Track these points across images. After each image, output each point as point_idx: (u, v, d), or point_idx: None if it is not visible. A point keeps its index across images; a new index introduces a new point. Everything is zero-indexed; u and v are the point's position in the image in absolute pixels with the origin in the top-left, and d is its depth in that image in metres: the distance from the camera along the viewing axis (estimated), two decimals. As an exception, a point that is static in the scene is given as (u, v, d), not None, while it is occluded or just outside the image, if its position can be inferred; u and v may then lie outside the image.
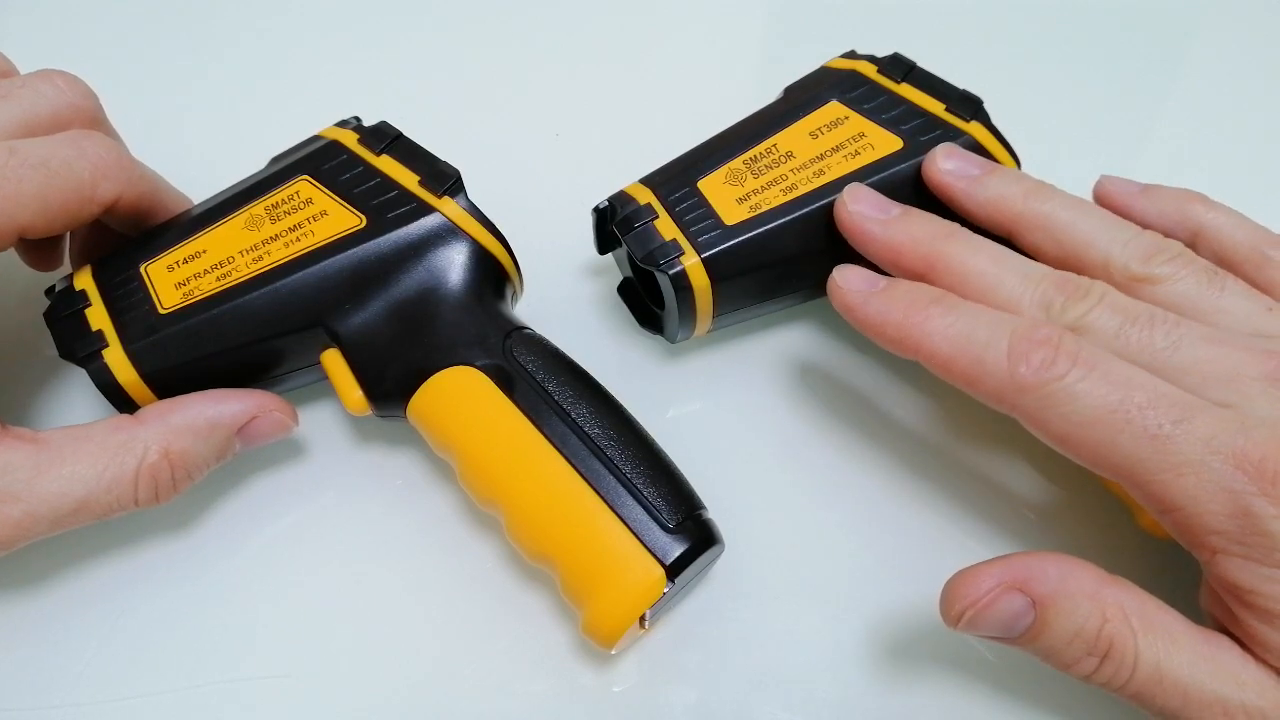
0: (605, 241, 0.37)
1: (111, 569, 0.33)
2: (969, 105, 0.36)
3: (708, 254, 0.33)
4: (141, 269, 0.32)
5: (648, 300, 0.38)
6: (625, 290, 0.39)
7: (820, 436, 0.36)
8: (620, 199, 0.35)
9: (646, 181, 0.35)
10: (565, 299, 0.39)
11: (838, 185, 0.34)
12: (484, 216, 0.33)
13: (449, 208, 0.32)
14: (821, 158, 0.35)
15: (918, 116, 0.35)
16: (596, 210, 0.36)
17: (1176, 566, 0.31)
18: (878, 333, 0.30)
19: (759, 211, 0.34)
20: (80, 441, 0.29)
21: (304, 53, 0.50)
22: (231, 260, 0.31)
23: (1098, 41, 0.52)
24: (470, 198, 0.33)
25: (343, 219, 0.32)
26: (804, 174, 0.35)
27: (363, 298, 0.32)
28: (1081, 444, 0.26)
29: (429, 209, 0.32)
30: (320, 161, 0.33)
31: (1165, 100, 0.50)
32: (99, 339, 0.31)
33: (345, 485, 0.35)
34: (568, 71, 0.49)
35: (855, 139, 0.35)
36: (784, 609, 0.32)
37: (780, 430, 0.36)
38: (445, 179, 0.32)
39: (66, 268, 0.36)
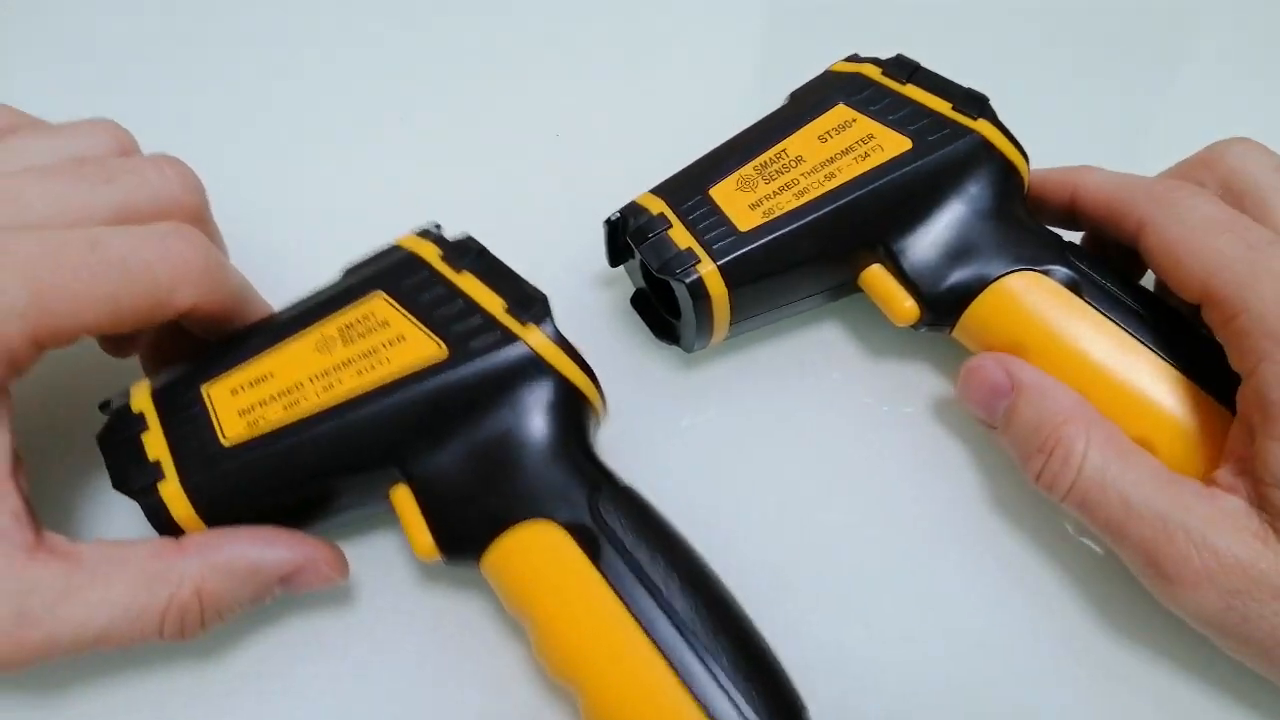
0: (617, 254, 0.37)
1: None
2: (975, 103, 0.35)
3: (723, 261, 0.33)
4: (203, 391, 0.29)
5: (662, 311, 0.37)
6: (639, 302, 0.39)
7: (825, 438, 0.36)
8: (632, 210, 0.35)
9: (658, 191, 0.35)
10: (570, 310, 0.37)
11: (849, 188, 0.34)
12: (570, 346, 0.30)
13: (534, 338, 0.29)
14: (831, 160, 0.35)
15: (925, 116, 0.35)
16: (608, 223, 0.35)
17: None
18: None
19: (772, 217, 0.34)
20: (116, 565, 0.27)
21: (305, 52, 0.49)
22: (300, 387, 0.29)
23: (1096, 41, 0.51)
24: (554, 322, 0.30)
25: (421, 346, 0.29)
26: (815, 178, 0.34)
27: (440, 436, 0.29)
28: (1191, 247, 0.29)
29: (513, 338, 0.29)
30: (399, 278, 0.30)
31: (1166, 99, 0.50)
32: (155, 470, 0.28)
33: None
34: (567, 73, 0.48)
35: (864, 141, 0.35)
36: (785, 609, 0.30)
37: (786, 434, 0.36)
38: (531, 305, 0.29)
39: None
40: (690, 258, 0.33)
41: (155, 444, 0.29)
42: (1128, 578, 0.29)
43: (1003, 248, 0.34)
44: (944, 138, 0.34)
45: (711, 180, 0.35)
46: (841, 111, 0.36)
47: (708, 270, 0.33)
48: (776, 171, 0.35)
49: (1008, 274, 0.33)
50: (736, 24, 0.51)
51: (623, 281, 0.40)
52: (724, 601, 0.27)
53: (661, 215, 0.34)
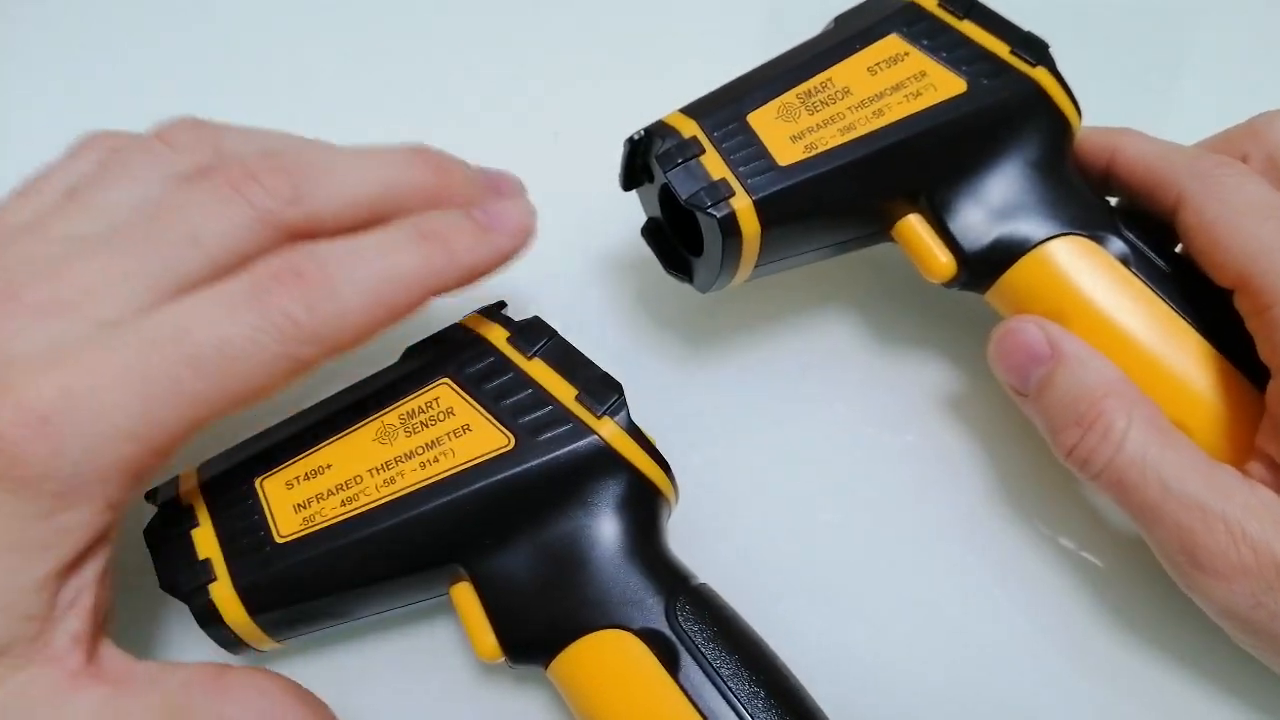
0: (633, 176, 0.34)
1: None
2: (1035, 49, 0.32)
3: (760, 196, 0.30)
4: (257, 484, 0.28)
5: (678, 245, 0.34)
6: (651, 232, 0.35)
7: (825, 439, 0.35)
8: (660, 129, 0.32)
9: (689, 111, 0.32)
10: (565, 306, 0.36)
11: (898, 128, 0.31)
12: (645, 438, 0.28)
13: (608, 429, 0.27)
14: (880, 96, 0.32)
15: (982, 58, 0.32)
16: (631, 141, 0.32)
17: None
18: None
19: (815, 152, 0.31)
20: (150, 690, 0.25)
21: (303, 50, 0.48)
22: (359, 480, 0.27)
23: (1097, 41, 0.50)
24: (629, 411, 0.28)
25: (488, 437, 0.27)
26: (862, 113, 0.31)
27: (506, 533, 0.27)
28: (1231, 230, 0.28)
29: (586, 431, 0.27)
30: (464, 363, 0.29)
31: (1167, 97, 0.48)
32: (205, 570, 0.27)
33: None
34: (566, 72, 0.47)
35: (916, 78, 0.32)
36: (785, 609, 0.31)
37: (785, 433, 0.35)
38: (607, 395, 0.28)
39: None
40: (724, 189, 0.30)
41: (206, 541, 0.27)
42: (1129, 579, 0.29)
43: (1052, 208, 0.32)
44: (1001, 83, 0.32)
45: (751, 105, 0.31)
46: (894, 43, 0.32)
47: (742, 205, 0.30)
48: (822, 102, 0.31)
49: (1055, 238, 0.31)
50: (738, 23, 0.50)
51: (621, 282, 0.38)
52: (812, 717, 0.26)
53: (694, 139, 0.31)
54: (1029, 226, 0.31)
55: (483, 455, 0.27)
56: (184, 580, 0.26)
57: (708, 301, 0.38)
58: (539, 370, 0.28)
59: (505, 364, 0.29)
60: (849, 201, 0.32)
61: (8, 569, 0.23)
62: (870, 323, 0.38)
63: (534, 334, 0.29)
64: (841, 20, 0.34)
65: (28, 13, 0.48)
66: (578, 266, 0.39)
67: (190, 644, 0.30)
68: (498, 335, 0.29)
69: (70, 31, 0.47)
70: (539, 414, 0.28)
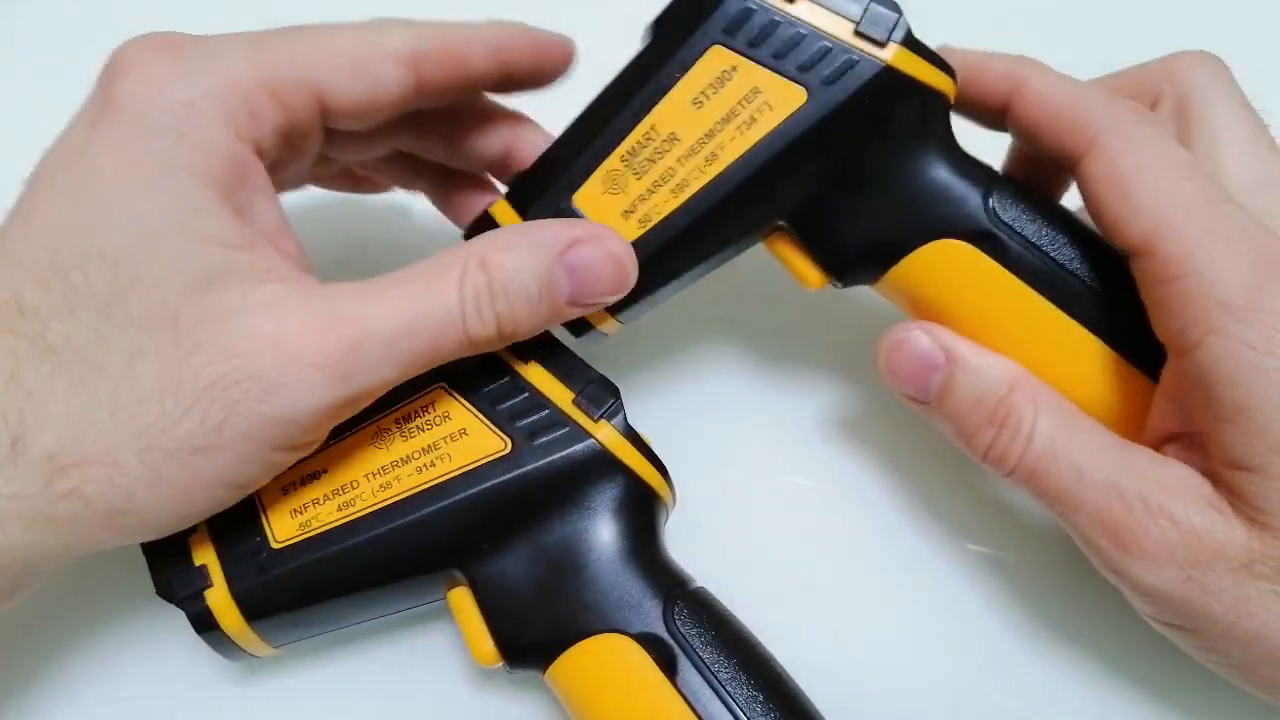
0: None
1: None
2: (883, 22, 0.27)
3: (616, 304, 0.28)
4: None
5: None
6: None
7: (823, 439, 0.35)
8: (489, 228, 0.29)
9: (514, 198, 0.29)
10: None
11: (736, 170, 0.28)
12: (642, 442, 0.28)
13: (605, 433, 0.27)
14: (711, 135, 0.28)
15: (822, 51, 0.27)
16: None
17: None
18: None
19: (649, 226, 0.28)
20: (400, 278, 0.26)
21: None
22: (355, 485, 0.27)
23: (1097, 42, 0.46)
24: (626, 413, 0.28)
25: (484, 441, 0.27)
26: (694, 163, 0.28)
27: (503, 537, 0.27)
28: (1146, 187, 0.26)
29: (583, 434, 0.27)
30: (460, 367, 0.28)
31: None
32: (202, 576, 0.27)
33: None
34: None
35: (748, 99, 0.28)
36: (786, 610, 0.30)
37: (783, 433, 0.35)
38: (604, 399, 0.28)
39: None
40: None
41: (202, 547, 0.27)
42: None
43: (917, 211, 0.29)
44: (849, 79, 0.27)
45: (575, 181, 0.28)
46: (717, 57, 0.28)
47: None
48: (648, 160, 0.28)
49: (923, 245, 0.29)
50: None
51: None
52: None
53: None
54: (895, 234, 0.29)
55: (479, 459, 0.27)
56: (180, 586, 0.26)
57: (706, 305, 0.38)
58: (536, 374, 0.28)
59: (502, 367, 0.28)
60: (703, 256, 0.29)
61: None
62: (867, 322, 0.38)
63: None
64: (658, 27, 0.29)
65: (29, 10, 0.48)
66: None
67: (190, 646, 0.30)
68: (494, 339, 0.29)
69: (70, 32, 0.47)
70: (536, 418, 0.27)
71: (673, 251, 0.29)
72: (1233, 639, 0.25)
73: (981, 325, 0.29)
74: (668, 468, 0.28)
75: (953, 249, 0.29)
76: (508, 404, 0.28)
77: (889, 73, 0.27)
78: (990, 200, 0.29)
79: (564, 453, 0.27)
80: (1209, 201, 0.25)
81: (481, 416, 0.28)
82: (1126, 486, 0.25)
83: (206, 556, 0.27)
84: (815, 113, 0.27)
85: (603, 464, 0.27)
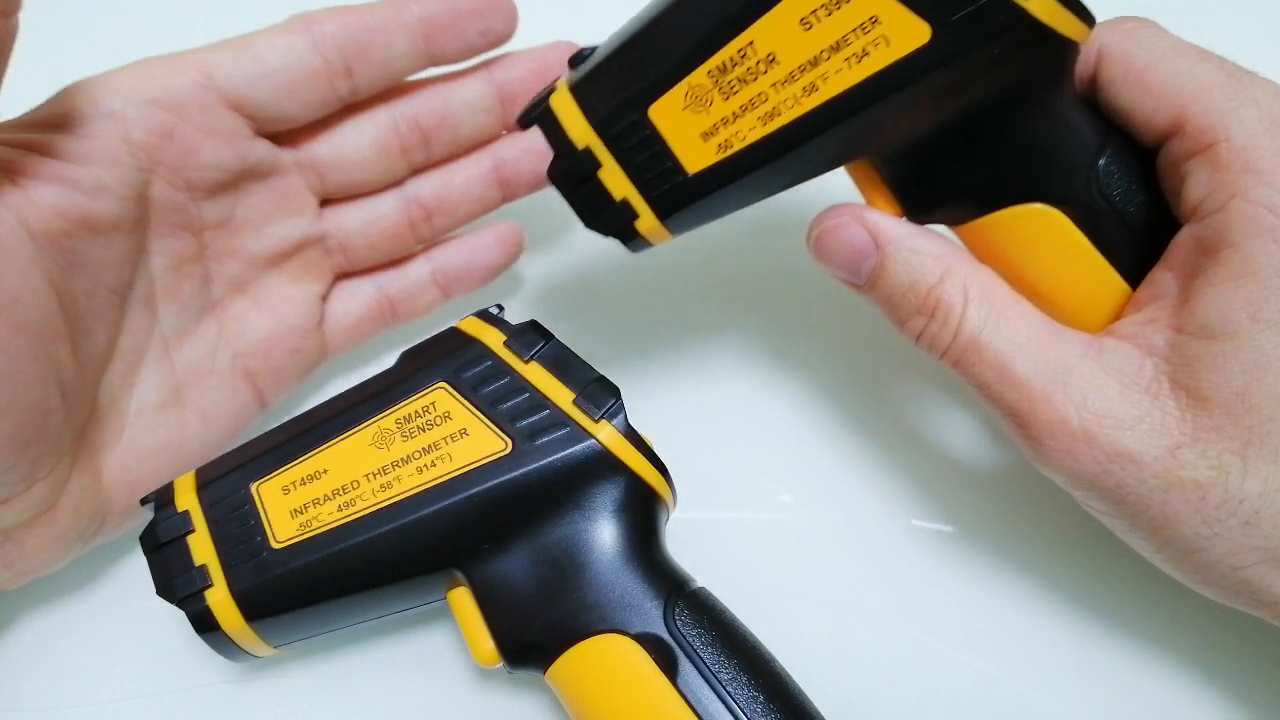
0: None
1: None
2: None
3: (670, 218, 0.26)
4: (253, 489, 0.28)
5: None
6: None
7: (823, 440, 0.35)
8: (551, 128, 0.27)
9: (582, 100, 0.26)
10: (563, 308, 0.37)
11: (836, 108, 0.25)
12: (643, 442, 0.28)
13: (606, 433, 0.27)
14: (815, 63, 0.25)
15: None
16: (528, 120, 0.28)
17: None
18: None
19: (729, 152, 0.26)
20: None
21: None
22: (356, 485, 0.27)
23: None
24: (626, 414, 0.28)
25: (485, 441, 0.27)
26: (790, 91, 0.25)
27: (504, 538, 0.27)
28: (1165, 73, 0.26)
29: (584, 435, 0.27)
30: (461, 367, 0.28)
31: None
32: (202, 576, 0.27)
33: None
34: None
35: (864, 28, 0.24)
36: (786, 610, 0.31)
37: (783, 433, 0.35)
38: (604, 399, 0.28)
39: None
40: (627, 213, 0.26)
41: (201, 547, 0.27)
42: (1133, 580, 0.29)
43: (1024, 171, 0.27)
44: (980, 20, 0.24)
45: (653, 91, 0.26)
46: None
47: (649, 227, 0.26)
48: (739, 80, 0.25)
49: (1018, 206, 0.27)
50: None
51: (618, 285, 0.38)
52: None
53: (588, 151, 0.26)
54: (995, 191, 0.27)
55: (480, 460, 0.27)
56: (180, 586, 0.26)
57: (707, 305, 0.38)
58: (536, 374, 0.28)
59: (502, 368, 0.28)
60: (778, 188, 0.27)
61: None
62: (868, 325, 0.38)
63: (531, 337, 0.29)
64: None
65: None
66: (575, 268, 0.39)
67: (190, 646, 0.30)
68: (494, 339, 0.29)
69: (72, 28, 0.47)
70: (536, 418, 0.27)
71: (748, 181, 0.26)
72: (1149, 524, 0.26)
73: (1053, 293, 0.28)
74: (668, 468, 0.28)
75: (1047, 216, 0.27)
76: (508, 404, 0.28)
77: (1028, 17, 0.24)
78: (1100, 162, 0.27)
79: (565, 453, 0.27)
80: (1231, 75, 0.26)
81: (482, 416, 0.28)
82: (1051, 378, 0.26)
83: (207, 557, 0.27)
84: (942, 51, 0.24)
85: (603, 464, 0.27)
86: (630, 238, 0.28)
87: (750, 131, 0.25)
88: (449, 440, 0.28)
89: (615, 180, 0.26)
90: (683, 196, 0.26)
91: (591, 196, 0.27)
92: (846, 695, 0.29)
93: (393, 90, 0.33)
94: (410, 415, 0.28)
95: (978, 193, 0.28)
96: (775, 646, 0.27)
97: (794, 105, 0.25)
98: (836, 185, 0.29)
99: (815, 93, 0.25)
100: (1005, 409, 0.26)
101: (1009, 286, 0.28)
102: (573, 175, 0.27)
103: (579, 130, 0.26)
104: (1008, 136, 0.27)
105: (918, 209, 0.28)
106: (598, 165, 0.26)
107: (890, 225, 0.28)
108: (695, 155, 0.26)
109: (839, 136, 0.25)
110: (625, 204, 0.26)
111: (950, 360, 0.27)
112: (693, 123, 0.26)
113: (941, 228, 0.29)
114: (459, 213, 0.35)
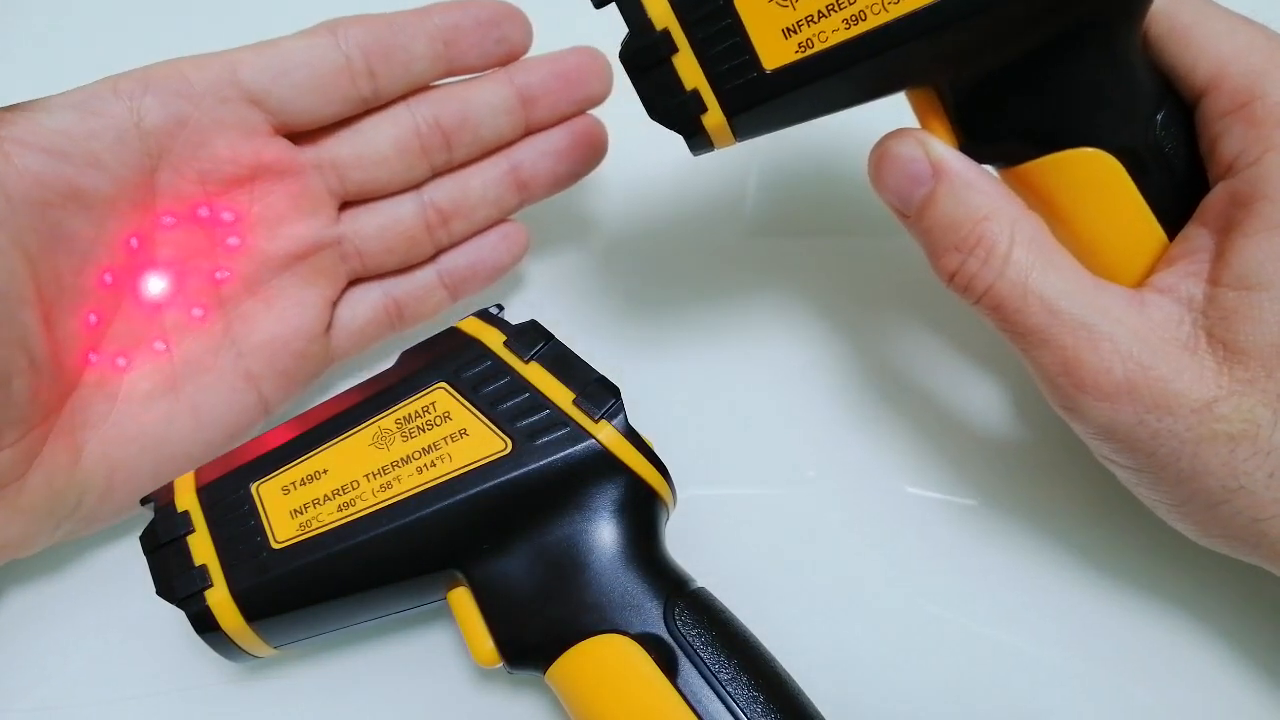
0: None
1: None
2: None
3: (737, 117, 0.26)
4: (253, 489, 0.28)
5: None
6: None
7: (825, 440, 0.35)
8: (629, 2, 0.25)
9: None
10: (563, 309, 0.37)
11: (922, 18, 0.24)
12: (643, 442, 0.28)
13: (606, 433, 0.27)
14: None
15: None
16: None
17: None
18: None
19: (809, 52, 0.25)
20: None
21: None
22: (356, 485, 0.27)
23: None
24: (626, 414, 0.28)
25: (485, 441, 0.27)
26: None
27: (504, 538, 0.27)
28: (1206, 34, 0.27)
29: (584, 435, 0.27)
30: (461, 367, 0.28)
31: None
32: (202, 576, 0.27)
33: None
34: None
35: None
36: (786, 610, 0.31)
37: (784, 433, 0.35)
38: (604, 399, 0.28)
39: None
40: (695, 105, 0.25)
41: (201, 547, 0.27)
42: (1134, 579, 0.29)
43: (1089, 114, 0.27)
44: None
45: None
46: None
47: (715, 123, 0.26)
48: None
49: (1075, 149, 0.27)
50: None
51: (618, 285, 0.38)
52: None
53: (665, 34, 0.25)
54: (1057, 133, 0.27)
55: (480, 460, 0.27)
56: (180, 586, 0.26)
57: (708, 304, 0.38)
58: (536, 374, 0.28)
59: (502, 368, 0.28)
60: (847, 103, 0.27)
61: None
62: (869, 324, 0.38)
63: (531, 337, 0.29)
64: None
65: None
66: (576, 268, 0.39)
67: (190, 646, 0.30)
68: (494, 339, 0.29)
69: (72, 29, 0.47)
70: (536, 418, 0.27)
71: (822, 87, 0.25)
72: (1176, 477, 0.26)
73: (1095, 242, 0.28)
74: (668, 468, 0.28)
75: (1103, 161, 0.27)
76: (508, 404, 0.28)
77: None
78: (1159, 115, 0.28)
79: (564, 453, 0.27)
80: (1270, 39, 0.27)
81: (482, 416, 0.28)
82: (1098, 326, 0.26)
83: (207, 557, 0.27)
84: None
85: (603, 464, 0.27)
86: (693, 132, 0.26)
87: (834, 34, 0.25)
88: (449, 440, 0.28)
89: (688, 68, 0.25)
90: (755, 94, 0.25)
91: (661, 83, 0.26)
92: (847, 696, 0.29)
93: (413, 92, 0.33)
94: (410, 415, 0.28)
95: (1040, 131, 0.27)
96: (775, 647, 0.27)
97: (880, 11, 0.24)
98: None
99: (901, 1, 0.24)
100: (1049, 355, 0.26)
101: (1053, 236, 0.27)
102: (645, 58, 0.25)
103: (659, 10, 0.25)
104: (1079, 74, 0.27)
105: (978, 142, 0.28)
106: (673, 50, 0.25)
107: (952, 158, 0.27)
108: (774, 51, 0.25)
109: (921, 50, 0.25)
110: (695, 95, 0.25)
111: (990, 301, 0.27)
112: (777, 16, 0.25)
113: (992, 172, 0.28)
114: (476, 216, 0.35)
